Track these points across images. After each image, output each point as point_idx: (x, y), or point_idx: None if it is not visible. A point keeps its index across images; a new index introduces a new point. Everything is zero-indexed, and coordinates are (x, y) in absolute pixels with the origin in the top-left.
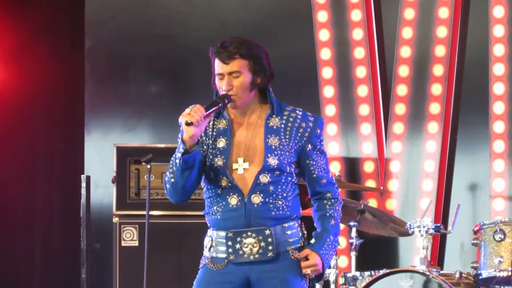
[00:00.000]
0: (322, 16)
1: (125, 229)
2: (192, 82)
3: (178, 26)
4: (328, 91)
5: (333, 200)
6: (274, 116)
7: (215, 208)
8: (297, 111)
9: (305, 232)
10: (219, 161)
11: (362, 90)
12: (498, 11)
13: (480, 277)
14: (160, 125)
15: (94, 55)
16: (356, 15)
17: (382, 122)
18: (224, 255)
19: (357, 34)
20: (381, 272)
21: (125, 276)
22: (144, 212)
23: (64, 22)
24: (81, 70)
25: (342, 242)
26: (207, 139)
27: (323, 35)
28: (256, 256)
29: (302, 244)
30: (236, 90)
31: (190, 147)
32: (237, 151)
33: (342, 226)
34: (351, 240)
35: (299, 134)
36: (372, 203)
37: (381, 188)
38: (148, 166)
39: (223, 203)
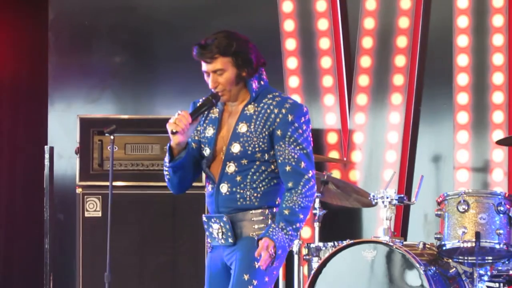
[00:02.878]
0: None
1: (88, 200)
2: (155, 52)
3: None
4: (292, 63)
5: (292, 191)
6: (252, 103)
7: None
8: (277, 98)
9: None
10: (206, 150)
11: (326, 62)
12: None
13: (444, 248)
14: (124, 96)
15: (58, 27)
16: None
17: (345, 94)
18: (208, 238)
19: (321, 5)
20: (345, 243)
21: (88, 247)
22: (107, 183)
23: None
24: (44, 42)
25: None
26: (201, 127)
27: (287, 6)
28: (222, 241)
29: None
30: (223, 87)
31: (177, 152)
32: (222, 140)
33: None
34: (314, 211)
35: (271, 120)
36: (336, 174)
37: (345, 159)
38: (112, 137)
39: (206, 188)
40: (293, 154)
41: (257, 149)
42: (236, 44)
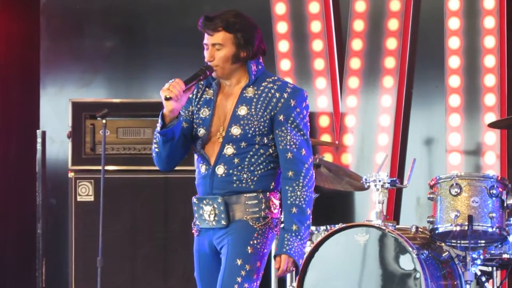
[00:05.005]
0: None
1: (81, 184)
2: (147, 37)
3: None
4: (283, 46)
5: (294, 184)
6: (251, 86)
7: (195, 172)
8: (278, 82)
9: (275, 204)
10: (201, 131)
11: (317, 45)
12: None
13: (437, 232)
14: (115, 80)
15: (50, 11)
16: None
17: (337, 77)
18: (196, 221)
19: None
20: (337, 226)
21: (80, 231)
22: (99, 167)
23: None
24: (36, 26)
25: None
26: (194, 107)
27: None
28: (213, 223)
29: (264, 215)
30: (217, 62)
31: (169, 120)
32: (219, 122)
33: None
34: None
35: (272, 104)
36: (328, 157)
37: (337, 142)
38: (104, 121)
39: (198, 169)
40: (294, 140)
41: (257, 133)
42: (242, 24)
